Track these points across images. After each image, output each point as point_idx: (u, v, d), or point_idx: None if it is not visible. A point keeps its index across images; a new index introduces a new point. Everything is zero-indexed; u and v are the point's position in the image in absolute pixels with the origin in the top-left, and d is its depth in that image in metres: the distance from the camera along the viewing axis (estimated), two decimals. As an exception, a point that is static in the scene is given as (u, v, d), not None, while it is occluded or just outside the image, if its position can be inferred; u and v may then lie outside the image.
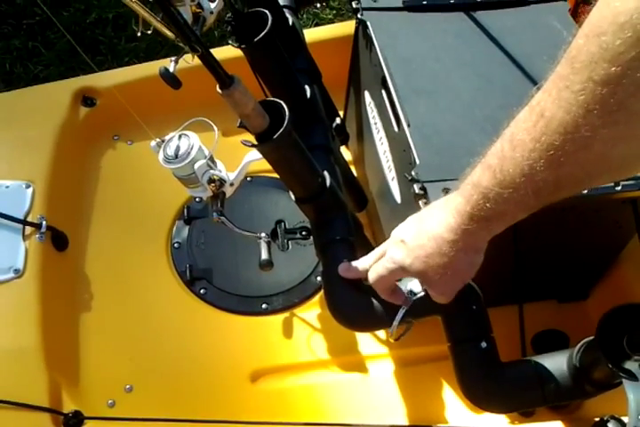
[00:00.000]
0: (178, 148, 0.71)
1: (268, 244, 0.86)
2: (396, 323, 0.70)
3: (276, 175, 0.76)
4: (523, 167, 0.47)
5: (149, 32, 0.65)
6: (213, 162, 0.73)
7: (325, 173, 0.76)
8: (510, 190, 0.50)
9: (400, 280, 0.71)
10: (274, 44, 0.76)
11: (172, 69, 0.88)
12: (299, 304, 1.08)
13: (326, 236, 0.77)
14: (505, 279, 0.87)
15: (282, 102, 0.65)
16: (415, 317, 0.71)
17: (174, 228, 1.15)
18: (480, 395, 0.70)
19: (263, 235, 0.87)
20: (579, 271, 1.00)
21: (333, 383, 1.00)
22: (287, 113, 0.64)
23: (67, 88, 1.21)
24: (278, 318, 1.07)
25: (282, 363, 1.03)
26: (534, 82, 0.87)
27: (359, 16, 0.96)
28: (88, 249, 1.11)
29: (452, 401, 0.96)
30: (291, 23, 0.90)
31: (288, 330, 1.06)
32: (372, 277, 0.66)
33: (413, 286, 0.70)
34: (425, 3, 0.97)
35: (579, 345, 0.67)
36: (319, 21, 2.11)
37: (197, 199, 1.17)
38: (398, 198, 0.91)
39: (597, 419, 0.79)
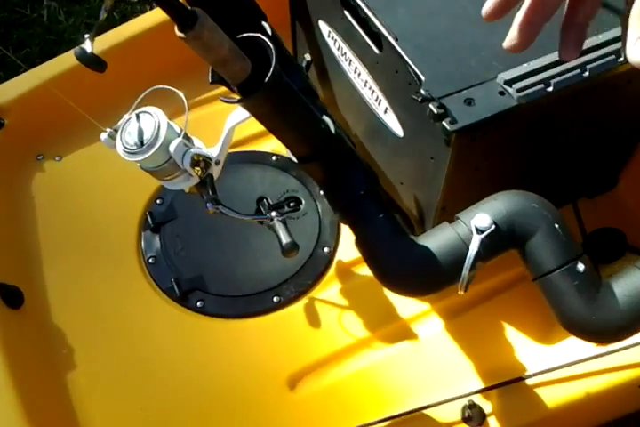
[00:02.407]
0: (140, 131, 0.54)
1: (284, 223, 0.71)
2: (466, 272, 0.58)
3: (238, 149, 0.63)
4: None
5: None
6: (189, 139, 0.58)
7: (325, 117, 0.62)
8: None
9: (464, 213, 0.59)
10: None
11: (89, 49, 0.72)
12: (313, 286, 0.94)
13: (348, 194, 0.64)
14: (540, 182, 0.77)
15: (260, 35, 0.50)
16: (487, 258, 0.59)
17: (142, 241, 0.98)
18: (592, 327, 0.59)
19: (274, 214, 0.72)
20: (608, 156, 0.91)
21: (383, 362, 0.88)
22: (272, 48, 0.50)
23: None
24: (296, 309, 0.93)
25: (318, 357, 0.89)
26: None
27: None
28: (49, 296, 0.93)
29: (521, 341, 0.86)
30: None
31: (311, 318, 0.92)
32: None
33: (478, 220, 0.58)
34: None
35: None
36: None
37: (158, 201, 1.00)
38: (400, 132, 0.78)
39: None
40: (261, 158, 1.05)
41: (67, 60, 1.05)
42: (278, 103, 0.54)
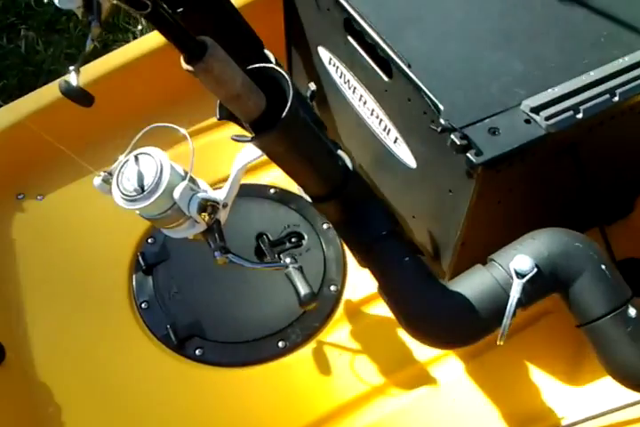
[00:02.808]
0: (140, 175, 0.48)
1: (301, 270, 0.65)
2: (507, 321, 0.53)
3: None
4: None
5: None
6: (194, 182, 0.51)
7: (340, 152, 0.56)
8: None
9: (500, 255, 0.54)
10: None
11: (75, 82, 0.66)
12: (321, 328, 0.88)
13: (369, 234, 0.59)
14: (566, 214, 0.74)
15: (276, 67, 0.45)
16: (528, 304, 0.54)
17: (134, 284, 0.91)
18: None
19: (288, 261, 0.65)
20: (627, 182, 0.88)
21: (401, 410, 0.82)
22: (288, 80, 0.44)
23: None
24: (303, 354, 0.87)
25: (329, 408, 0.83)
26: None
27: None
28: (33, 349, 0.85)
29: (547, 382, 0.81)
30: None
31: (320, 364, 0.86)
32: None
33: (518, 263, 0.53)
34: None
35: None
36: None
37: (150, 240, 0.93)
38: (412, 163, 0.73)
39: None
40: (259, 192, 1.00)
41: (47, 93, 0.99)
42: (295, 140, 0.48)
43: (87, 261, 0.93)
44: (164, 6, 0.37)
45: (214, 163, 0.92)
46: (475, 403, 0.80)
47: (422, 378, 0.83)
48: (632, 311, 0.52)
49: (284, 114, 0.45)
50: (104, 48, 1.61)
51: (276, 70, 0.46)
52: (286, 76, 0.46)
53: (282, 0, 0.92)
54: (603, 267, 0.53)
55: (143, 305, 0.90)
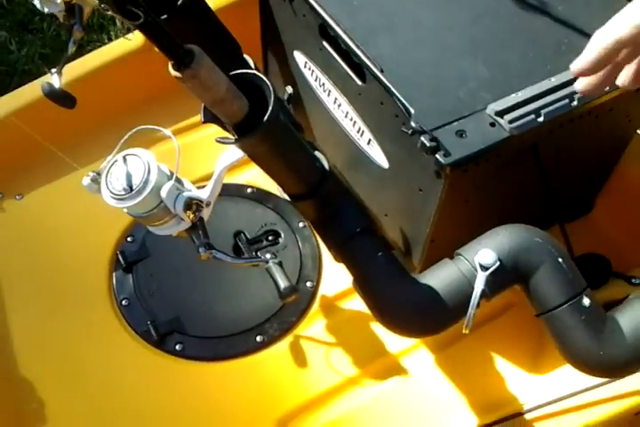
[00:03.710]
0: (129, 175, 0.51)
1: (280, 265, 0.68)
2: (471, 311, 0.56)
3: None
4: None
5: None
6: (179, 181, 0.54)
7: (317, 153, 0.59)
8: None
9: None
10: (198, 6, 0.57)
11: (57, 84, 0.68)
12: (297, 323, 0.91)
13: (343, 231, 0.62)
14: (526, 210, 0.78)
15: (257, 73, 0.48)
16: (491, 295, 0.58)
17: (114, 282, 0.93)
18: (601, 362, 0.58)
19: (268, 256, 0.68)
20: (586, 182, 0.92)
21: (375, 400, 0.85)
22: (270, 86, 0.47)
23: None
24: (281, 348, 0.89)
25: (306, 399, 0.85)
26: None
27: None
28: (15, 346, 0.86)
29: (511, 371, 0.85)
30: None
31: (297, 357, 0.89)
32: (604, 39, 0.52)
33: (482, 257, 0.56)
34: None
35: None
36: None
37: (129, 238, 0.95)
38: (384, 163, 0.76)
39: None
40: (236, 191, 1.02)
41: (27, 91, 1.01)
42: (276, 142, 0.51)
43: (67, 259, 0.94)
44: (155, 17, 0.40)
45: (196, 161, 0.94)
46: (443, 391, 0.84)
47: (394, 369, 0.87)
48: (586, 301, 0.56)
49: (266, 117, 0.48)
50: (79, 48, 1.62)
51: (258, 76, 0.49)
52: (267, 81, 0.49)
53: (258, 4, 0.95)
54: (560, 260, 0.57)
55: (124, 302, 0.91)
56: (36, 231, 0.97)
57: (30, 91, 1.00)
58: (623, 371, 0.59)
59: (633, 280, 0.82)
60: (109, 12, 0.40)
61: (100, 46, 1.09)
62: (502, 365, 0.85)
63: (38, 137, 0.81)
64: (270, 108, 0.47)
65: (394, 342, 0.88)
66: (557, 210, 0.77)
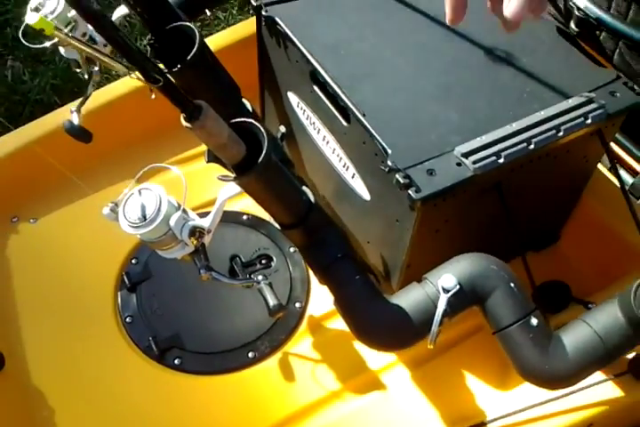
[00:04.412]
0: (143, 206, 0.60)
1: (270, 286, 0.77)
2: (435, 328, 0.65)
3: (210, 209, 0.69)
4: None
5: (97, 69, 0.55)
6: (185, 212, 0.63)
7: (305, 187, 0.68)
8: None
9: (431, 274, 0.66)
10: (206, 59, 0.67)
11: (76, 121, 0.77)
12: (286, 340, 0.99)
13: (326, 257, 0.70)
14: (493, 241, 0.85)
15: (253, 121, 0.57)
16: (452, 315, 0.66)
17: (119, 300, 1.01)
18: (545, 375, 0.66)
19: (260, 278, 0.77)
20: (551, 214, 1.01)
21: (355, 412, 0.92)
22: (264, 133, 0.57)
23: None
24: (271, 363, 0.97)
25: (293, 410, 0.93)
26: (463, 36, 0.86)
27: (264, 13, 0.88)
28: (29, 359, 0.94)
29: (481, 387, 0.92)
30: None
31: (286, 373, 0.96)
32: None
33: (444, 281, 0.65)
34: None
35: (631, 288, 0.64)
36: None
37: (134, 260, 1.03)
38: (366, 195, 0.85)
39: (632, 356, 0.79)
40: (233, 218, 1.10)
41: (44, 123, 1.10)
42: (268, 180, 0.60)
43: (77, 279, 1.02)
44: (172, 80, 0.49)
45: (201, 187, 1.03)
46: (418, 405, 0.91)
47: (374, 384, 0.94)
48: (534, 321, 0.64)
49: (260, 160, 0.57)
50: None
51: (254, 124, 0.58)
52: (262, 128, 0.58)
53: (257, 48, 1.04)
54: (512, 285, 0.65)
55: (128, 320, 0.99)
56: (49, 252, 1.05)
57: (48, 122, 1.09)
58: (566, 383, 0.67)
59: (589, 305, 0.90)
60: (135, 77, 0.49)
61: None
62: (472, 381, 0.93)
63: (57, 164, 0.89)
64: (264, 152, 0.56)
65: (374, 358, 0.96)
66: (519, 242, 0.86)
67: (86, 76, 0.76)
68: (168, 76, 0.49)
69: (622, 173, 1.22)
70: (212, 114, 0.53)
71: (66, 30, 0.50)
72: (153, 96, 0.51)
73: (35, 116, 1.57)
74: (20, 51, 1.81)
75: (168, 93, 0.49)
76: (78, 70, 0.66)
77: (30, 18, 0.51)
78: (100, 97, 1.12)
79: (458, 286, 0.64)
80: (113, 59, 0.52)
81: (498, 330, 0.66)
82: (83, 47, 0.51)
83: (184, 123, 0.52)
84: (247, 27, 1.10)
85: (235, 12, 1.89)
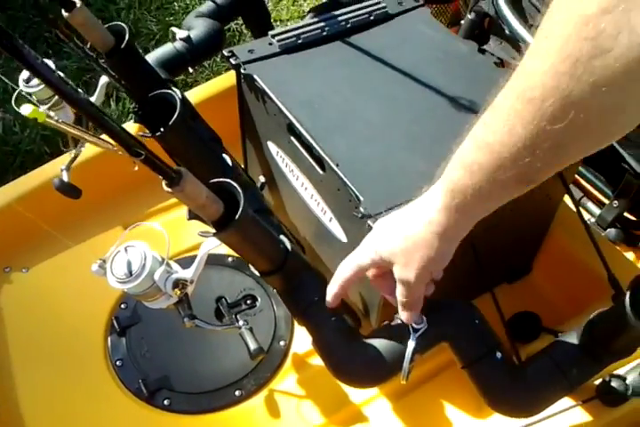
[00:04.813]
0: (129, 263, 0.64)
1: (251, 330, 0.81)
2: (406, 365, 0.69)
3: (194, 253, 0.74)
4: (501, 128, 0.48)
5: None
6: (169, 265, 0.68)
7: (282, 237, 0.73)
8: (488, 157, 0.50)
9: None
10: (186, 123, 0.73)
11: (66, 179, 0.82)
12: (272, 378, 1.03)
13: (304, 300, 0.75)
14: (465, 277, 0.89)
15: (230, 181, 0.62)
16: (423, 351, 0.71)
17: (109, 344, 1.05)
18: (510, 405, 0.71)
19: (241, 323, 0.82)
20: (521, 249, 1.06)
21: (340, 445, 0.97)
22: (240, 192, 0.62)
23: None
24: (257, 401, 1.01)
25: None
26: (430, 87, 0.92)
27: (242, 71, 0.94)
28: (22, 405, 0.97)
29: (458, 416, 0.96)
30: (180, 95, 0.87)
31: (271, 409, 1.00)
32: (347, 268, 0.67)
33: (414, 322, 0.70)
34: (300, 41, 0.97)
35: (589, 321, 0.69)
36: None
37: (123, 305, 1.07)
38: (343, 238, 0.90)
39: (599, 381, 0.83)
40: (218, 260, 1.15)
41: (29, 180, 1.15)
42: (246, 234, 0.65)
43: (68, 324, 1.06)
44: (152, 153, 0.55)
45: (184, 233, 1.08)
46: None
47: (357, 417, 0.98)
48: (498, 355, 0.69)
49: (237, 216, 0.62)
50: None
51: (231, 184, 0.64)
52: (238, 188, 0.63)
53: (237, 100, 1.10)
54: (477, 322, 0.70)
55: (118, 363, 1.02)
56: (41, 300, 1.09)
57: (29, 180, 1.15)
58: (530, 413, 0.72)
59: (559, 335, 0.95)
60: (116, 148, 0.55)
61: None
62: (450, 410, 0.97)
63: (38, 221, 0.93)
64: (240, 210, 0.61)
65: (356, 392, 1.00)
66: (490, 278, 0.91)
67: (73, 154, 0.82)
68: (148, 151, 0.54)
69: (590, 205, 1.28)
70: (191, 179, 0.58)
71: (56, 117, 0.55)
72: (136, 168, 0.56)
73: (25, 166, 1.64)
74: (10, 104, 1.86)
75: (150, 165, 0.55)
76: (65, 149, 0.72)
77: (25, 109, 0.57)
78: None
79: (426, 326, 0.69)
80: (99, 138, 0.57)
81: (464, 365, 0.70)
82: (71, 130, 0.56)
83: (165, 188, 0.57)
84: (229, 78, 1.16)
85: (218, 59, 1.97)
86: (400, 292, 0.64)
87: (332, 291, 0.69)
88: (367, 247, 0.65)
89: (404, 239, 0.60)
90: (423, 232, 0.58)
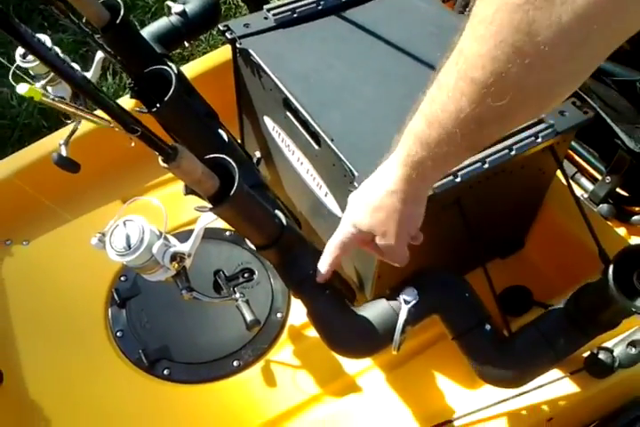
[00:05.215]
0: (127, 237, 0.66)
1: (248, 302, 0.83)
2: (397, 336, 0.71)
3: (192, 227, 0.75)
4: (449, 106, 0.50)
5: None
6: (167, 239, 0.70)
7: (277, 211, 0.75)
8: (440, 132, 0.53)
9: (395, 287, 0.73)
10: (182, 99, 0.73)
11: (65, 153, 0.83)
12: (269, 349, 1.06)
13: (298, 274, 0.76)
14: (458, 251, 0.91)
15: (225, 157, 0.63)
16: (414, 323, 0.73)
17: (109, 316, 1.07)
18: (499, 375, 0.74)
19: (238, 295, 0.84)
20: (514, 223, 1.07)
21: (335, 413, 0.99)
22: (235, 167, 0.63)
23: None
24: (254, 371, 1.04)
25: (275, 414, 0.99)
26: (424, 62, 0.92)
27: (238, 45, 0.94)
28: (26, 374, 1.00)
29: (450, 387, 0.99)
30: (175, 70, 0.87)
31: (268, 379, 1.03)
32: (333, 246, 0.70)
33: (406, 293, 0.72)
34: (295, 16, 0.97)
35: (575, 293, 0.71)
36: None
37: (122, 278, 1.10)
38: (338, 212, 0.91)
39: (587, 354, 0.86)
40: (216, 234, 1.16)
41: (29, 153, 1.16)
42: (240, 209, 0.66)
43: (69, 297, 1.08)
44: (148, 130, 0.56)
45: (182, 207, 1.09)
46: (392, 405, 0.98)
47: (351, 387, 1.01)
48: (487, 327, 0.71)
49: (232, 192, 0.63)
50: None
51: (226, 159, 0.65)
52: (233, 163, 0.64)
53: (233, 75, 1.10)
54: (467, 295, 0.72)
55: (118, 334, 1.05)
56: (42, 273, 1.11)
57: (28, 154, 1.16)
58: (517, 383, 0.75)
59: (550, 308, 0.97)
60: (112, 125, 0.56)
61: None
62: (442, 381, 1.00)
63: (37, 195, 0.94)
64: (235, 185, 0.62)
65: (351, 363, 1.03)
66: (481, 252, 0.92)
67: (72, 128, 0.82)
68: (144, 127, 0.55)
69: (583, 180, 1.29)
70: (187, 154, 0.59)
71: (53, 95, 0.56)
72: (132, 144, 0.56)
73: (23, 140, 1.64)
74: (6, 77, 1.85)
75: (146, 141, 0.56)
76: (65, 120, 0.72)
77: (21, 88, 0.57)
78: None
79: (418, 298, 0.71)
80: (95, 116, 0.58)
81: (455, 337, 0.72)
82: (67, 108, 0.57)
83: (161, 163, 0.58)
84: (225, 52, 1.16)
85: (214, 33, 1.95)
86: (388, 256, 0.70)
87: (321, 269, 0.71)
88: (347, 224, 0.68)
89: (376, 211, 0.64)
90: (391, 202, 0.63)
